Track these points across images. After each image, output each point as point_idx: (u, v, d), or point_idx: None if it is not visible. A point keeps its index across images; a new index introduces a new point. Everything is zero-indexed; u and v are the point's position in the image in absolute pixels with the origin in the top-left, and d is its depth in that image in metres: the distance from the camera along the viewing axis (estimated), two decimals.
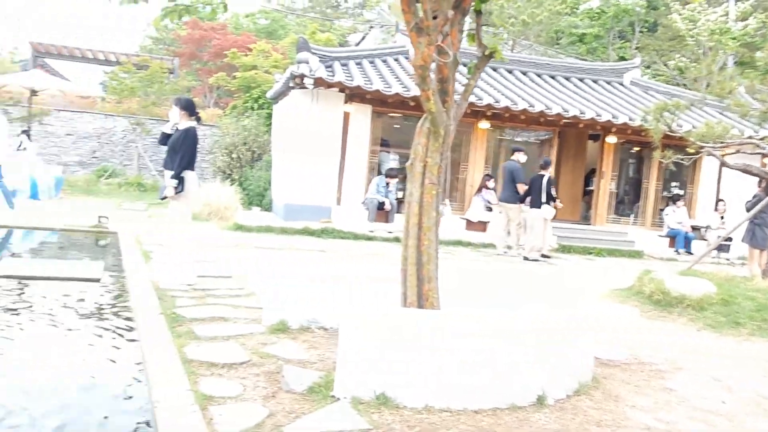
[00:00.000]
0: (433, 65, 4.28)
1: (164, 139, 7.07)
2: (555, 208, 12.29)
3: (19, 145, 15.99)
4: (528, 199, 12.27)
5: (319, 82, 13.08)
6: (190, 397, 3.55)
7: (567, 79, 17.82)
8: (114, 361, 4.35)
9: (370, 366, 3.73)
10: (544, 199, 11.98)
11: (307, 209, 13.70)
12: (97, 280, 6.69)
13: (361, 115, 14.18)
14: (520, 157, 12.51)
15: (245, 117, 18.38)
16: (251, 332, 4.99)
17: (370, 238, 12.63)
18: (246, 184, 16.24)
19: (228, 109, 21.21)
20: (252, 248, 9.95)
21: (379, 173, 14.33)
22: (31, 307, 5.64)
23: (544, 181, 12.02)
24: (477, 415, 3.69)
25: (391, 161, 15.10)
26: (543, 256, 12.22)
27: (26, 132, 16.83)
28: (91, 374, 4.10)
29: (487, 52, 4.78)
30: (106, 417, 3.51)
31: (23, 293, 6.07)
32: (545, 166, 12.36)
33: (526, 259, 11.99)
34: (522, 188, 12.24)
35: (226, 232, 11.82)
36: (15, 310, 5.52)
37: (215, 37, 28.12)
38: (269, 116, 17.81)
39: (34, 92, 17.95)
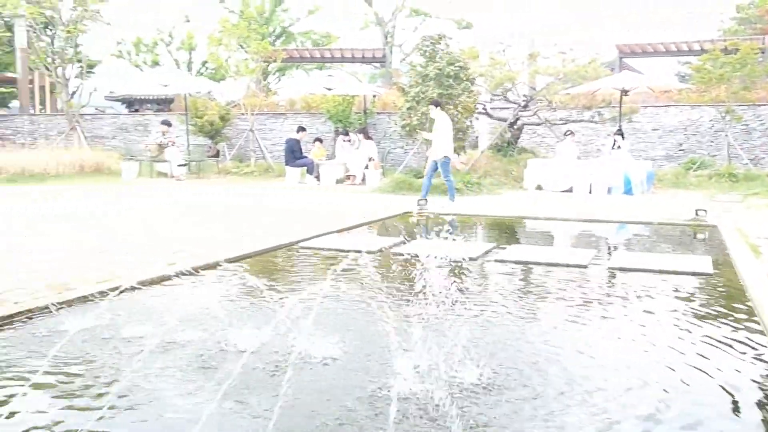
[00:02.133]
0: None
1: None
2: None
3: (613, 144, 16.85)
4: None
5: None
6: None
7: None
8: (746, 361, 4.06)
9: None
10: None
11: None
12: (709, 275, 6.46)
13: None
14: None
15: None
16: None
17: None
18: None
19: None
20: None
21: None
22: (647, 298, 5.74)
23: None
24: None
25: None
26: None
27: (619, 131, 17.60)
28: (726, 371, 3.89)
29: None
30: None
31: (635, 284, 6.23)
32: None
33: None
34: None
35: None
36: (627, 299, 5.70)
37: None
38: None
39: (625, 92, 18.65)
